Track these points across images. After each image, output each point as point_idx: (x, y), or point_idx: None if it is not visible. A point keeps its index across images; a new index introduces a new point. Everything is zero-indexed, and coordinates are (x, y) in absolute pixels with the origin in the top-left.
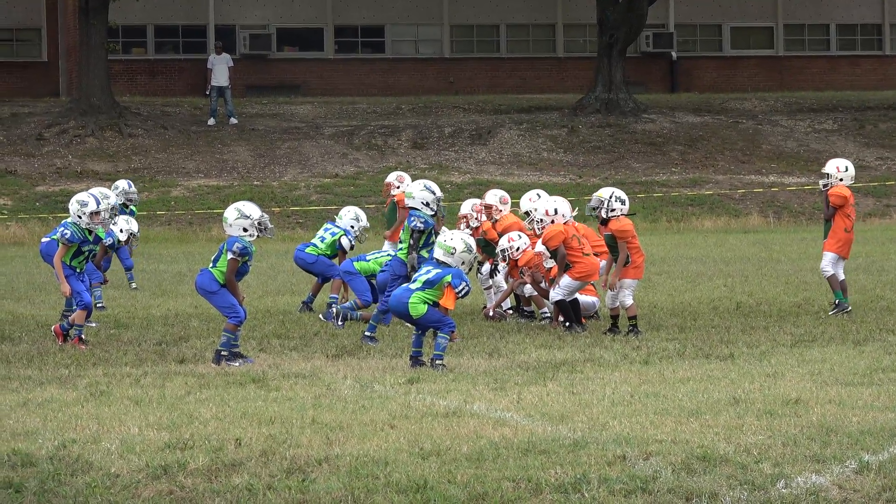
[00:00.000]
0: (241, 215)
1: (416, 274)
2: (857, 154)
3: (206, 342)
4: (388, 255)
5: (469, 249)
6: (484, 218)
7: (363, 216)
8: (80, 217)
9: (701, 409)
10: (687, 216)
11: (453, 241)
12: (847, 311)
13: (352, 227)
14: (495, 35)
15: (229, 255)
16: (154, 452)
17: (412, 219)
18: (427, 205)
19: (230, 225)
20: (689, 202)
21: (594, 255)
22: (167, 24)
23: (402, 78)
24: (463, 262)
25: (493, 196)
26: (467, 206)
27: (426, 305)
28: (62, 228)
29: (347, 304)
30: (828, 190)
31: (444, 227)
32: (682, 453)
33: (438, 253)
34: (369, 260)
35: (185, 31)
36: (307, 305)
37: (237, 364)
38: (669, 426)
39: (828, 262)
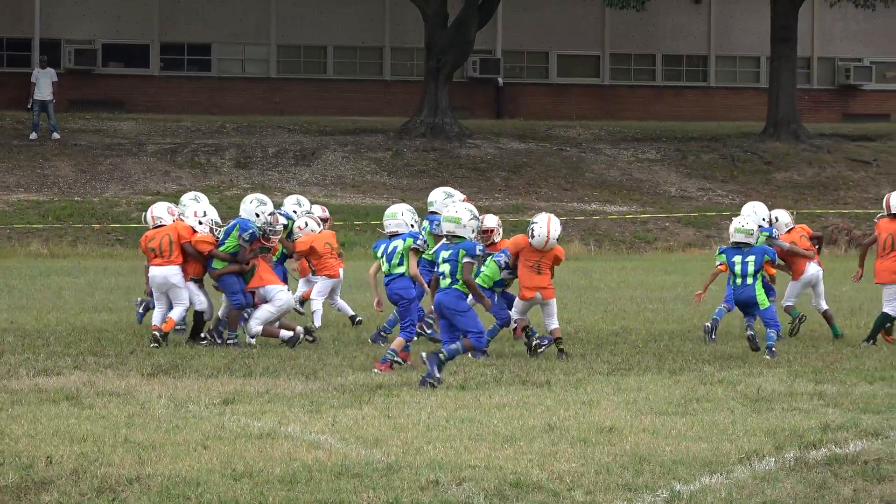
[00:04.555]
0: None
1: (440, 272)
2: (678, 184)
3: (20, 358)
4: None
5: (475, 216)
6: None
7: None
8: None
9: (515, 436)
10: None
11: (458, 213)
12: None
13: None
14: (322, 56)
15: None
16: None
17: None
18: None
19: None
20: (512, 228)
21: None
22: None
23: (227, 97)
24: (472, 230)
25: (492, 220)
26: (493, 221)
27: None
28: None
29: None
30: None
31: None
32: (495, 479)
33: (448, 227)
34: None
35: (9, 43)
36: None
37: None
38: (483, 452)
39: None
